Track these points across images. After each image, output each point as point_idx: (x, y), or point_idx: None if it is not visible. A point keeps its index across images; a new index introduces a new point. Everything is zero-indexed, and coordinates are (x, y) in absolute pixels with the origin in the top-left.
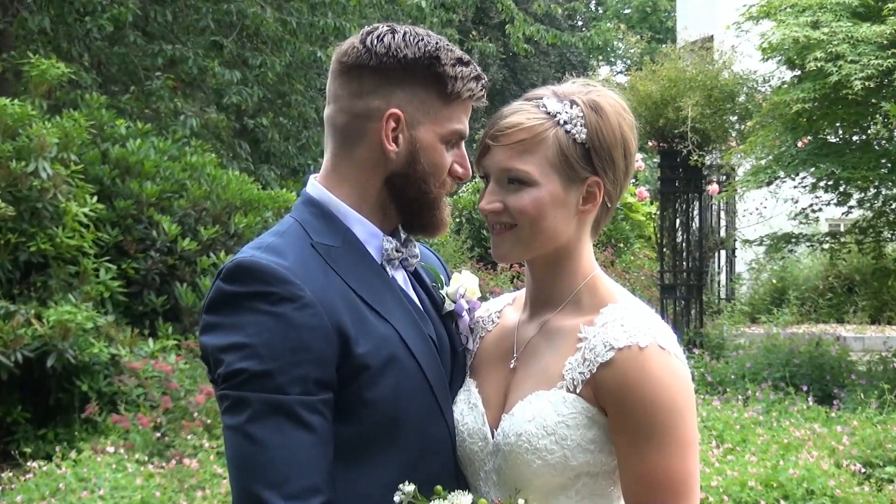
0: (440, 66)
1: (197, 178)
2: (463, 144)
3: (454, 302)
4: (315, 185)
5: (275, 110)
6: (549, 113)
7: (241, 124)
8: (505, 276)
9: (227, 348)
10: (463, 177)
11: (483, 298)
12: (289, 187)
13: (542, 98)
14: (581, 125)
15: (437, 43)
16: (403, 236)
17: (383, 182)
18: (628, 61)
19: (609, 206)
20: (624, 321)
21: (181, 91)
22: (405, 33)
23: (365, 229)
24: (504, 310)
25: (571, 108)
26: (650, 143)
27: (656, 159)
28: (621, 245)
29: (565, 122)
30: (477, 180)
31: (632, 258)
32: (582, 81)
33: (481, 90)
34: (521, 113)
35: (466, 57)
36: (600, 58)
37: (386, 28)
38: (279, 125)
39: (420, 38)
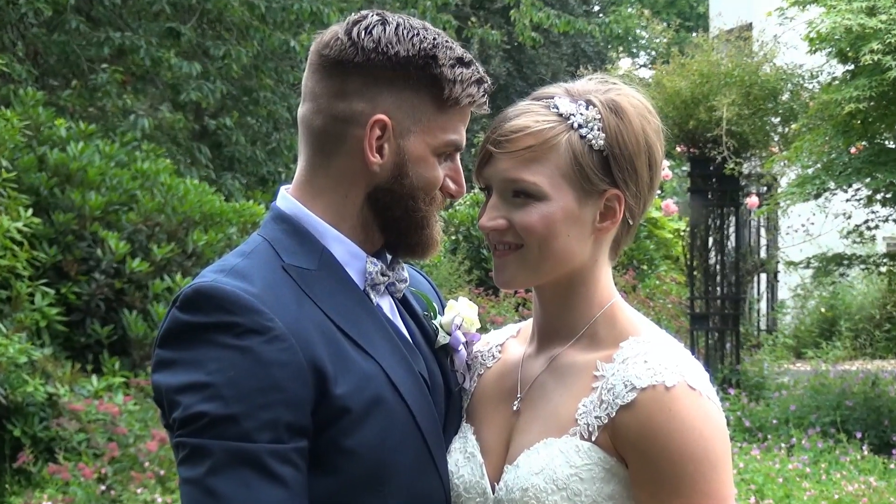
0: (437, 67)
1: (149, 188)
2: (458, 156)
3: (449, 334)
4: (287, 198)
5: (240, 109)
6: (561, 115)
7: (201, 125)
8: (508, 303)
9: (185, 388)
10: (456, 194)
11: (483, 330)
12: (256, 199)
13: (553, 97)
14: (598, 129)
15: (434, 39)
16: (390, 257)
17: (365, 197)
18: (653, 53)
19: (631, 223)
20: (647, 357)
21: (131, 86)
22: (398, 26)
23: (345, 249)
24: (507, 343)
25: (587, 109)
26: (678, 149)
27: (686, 167)
28: (644, 267)
29: (580, 126)
30: (476, 191)
31: (657, 283)
32: (599, 77)
33: (483, 95)
34: (528, 115)
35: (468, 56)
36: (620, 49)
37: (376, 18)
38: (245, 126)
39: (415, 32)
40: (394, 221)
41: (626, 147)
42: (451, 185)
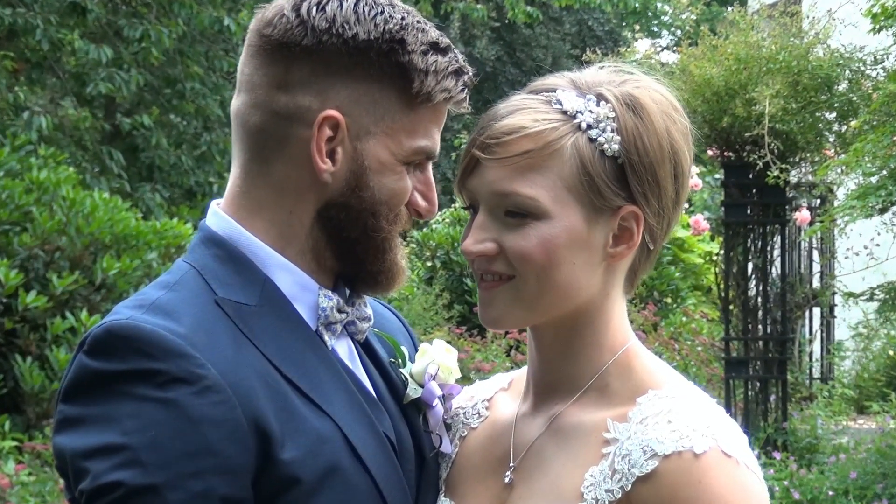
0: (405, 54)
1: (47, 203)
2: (430, 166)
3: (421, 386)
4: (219, 216)
5: (162, 104)
6: (565, 112)
7: (113, 124)
8: (498, 345)
9: (95, 452)
10: (426, 213)
11: (466, 380)
12: (182, 216)
13: (555, 90)
14: (612, 131)
15: (402, 19)
16: (349, 290)
17: (315, 214)
18: (678, 32)
19: (651, 247)
20: (672, 416)
21: (24, 76)
22: (358, 2)
23: (293, 280)
24: (495, 397)
25: (598, 105)
26: (710, 153)
27: (718, 175)
28: (668, 300)
29: (589, 127)
30: (456, 207)
31: (683, 319)
32: (613, 66)
33: (462, 90)
34: (525, 112)
35: (444, 41)
36: (637, 27)
37: None
38: (168, 126)
39: (379, 10)
40: (350, 244)
41: (646, 153)
42: (421, 202)
